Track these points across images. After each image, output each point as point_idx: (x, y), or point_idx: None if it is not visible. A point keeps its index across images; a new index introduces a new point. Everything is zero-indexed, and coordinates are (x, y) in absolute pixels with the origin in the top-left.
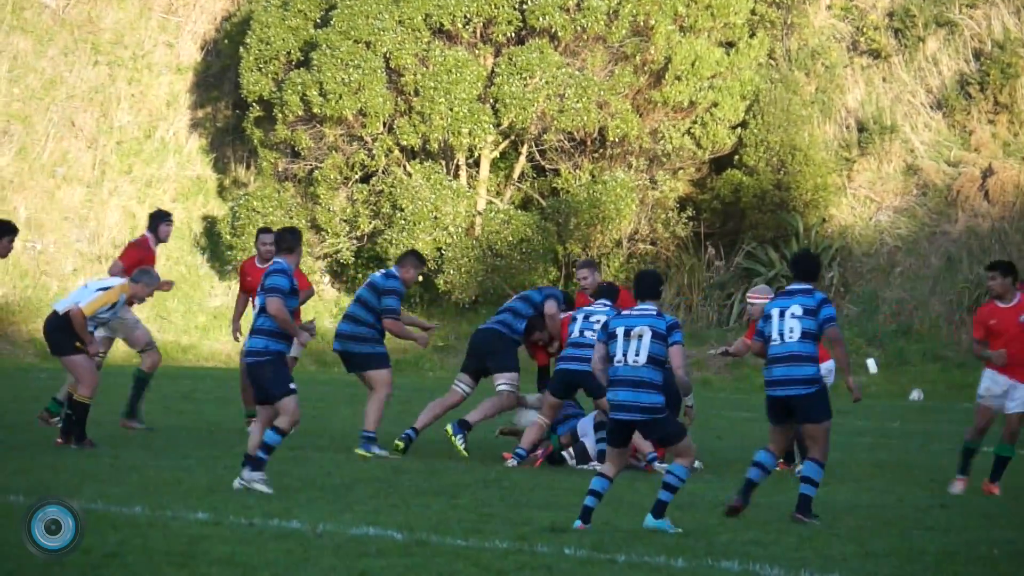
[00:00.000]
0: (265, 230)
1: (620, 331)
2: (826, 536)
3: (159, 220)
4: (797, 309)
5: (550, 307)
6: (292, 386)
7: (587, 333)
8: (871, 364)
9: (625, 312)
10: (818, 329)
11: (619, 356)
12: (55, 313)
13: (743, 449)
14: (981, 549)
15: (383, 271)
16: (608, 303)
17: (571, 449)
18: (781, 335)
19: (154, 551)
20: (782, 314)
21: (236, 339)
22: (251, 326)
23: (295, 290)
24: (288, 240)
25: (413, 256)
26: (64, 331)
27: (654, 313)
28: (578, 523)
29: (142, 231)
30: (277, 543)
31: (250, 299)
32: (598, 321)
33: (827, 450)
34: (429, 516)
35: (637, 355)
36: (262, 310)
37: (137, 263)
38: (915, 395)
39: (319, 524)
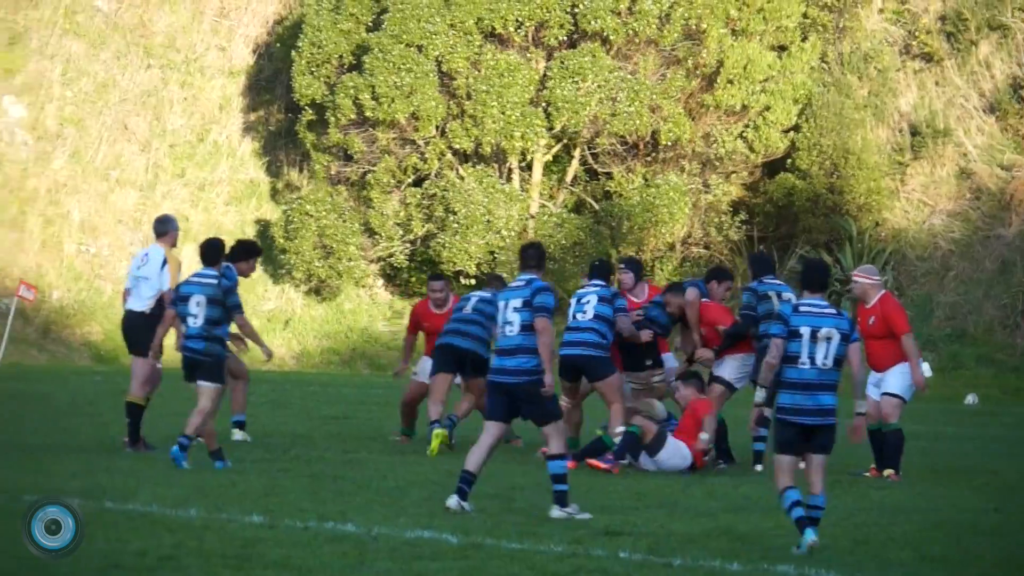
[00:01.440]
0: (435, 277)
1: (806, 331)
2: (881, 540)
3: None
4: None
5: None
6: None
7: (579, 316)
8: (925, 368)
9: (803, 308)
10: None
11: (804, 358)
12: (137, 313)
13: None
14: None
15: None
16: (601, 283)
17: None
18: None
19: (209, 554)
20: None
21: (395, 376)
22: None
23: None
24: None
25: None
26: (147, 329)
27: (834, 311)
28: (812, 537)
29: (195, 235)
30: (332, 546)
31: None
32: (588, 302)
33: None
34: (484, 519)
35: (826, 359)
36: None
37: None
38: (970, 399)
39: (374, 527)
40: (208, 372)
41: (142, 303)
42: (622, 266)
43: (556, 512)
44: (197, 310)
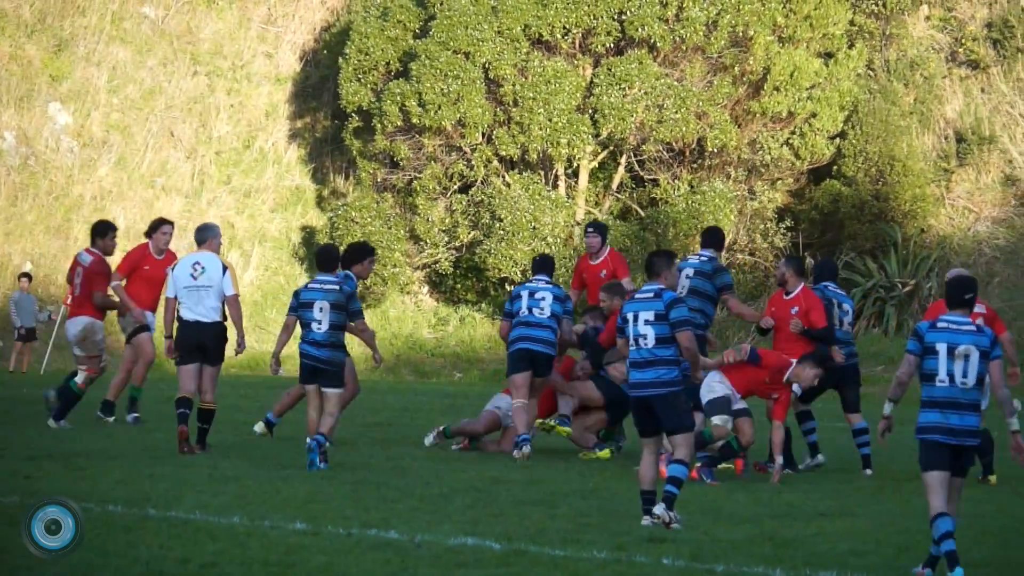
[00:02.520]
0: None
1: (943, 348)
2: (925, 546)
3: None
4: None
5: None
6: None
7: (535, 311)
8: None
9: (941, 324)
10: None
11: (942, 376)
12: (212, 323)
13: (839, 459)
14: None
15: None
16: (547, 277)
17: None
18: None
19: (252, 561)
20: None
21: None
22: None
23: None
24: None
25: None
26: (224, 340)
27: (974, 328)
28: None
29: (240, 241)
30: (375, 553)
31: None
32: (544, 298)
33: None
34: (527, 526)
35: (965, 377)
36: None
37: (130, 270)
38: (1017, 404)
39: (417, 534)
40: (332, 378)
41: (213, 313)
42: (590, 229)
43: (659, 509)
44: (321, 316)
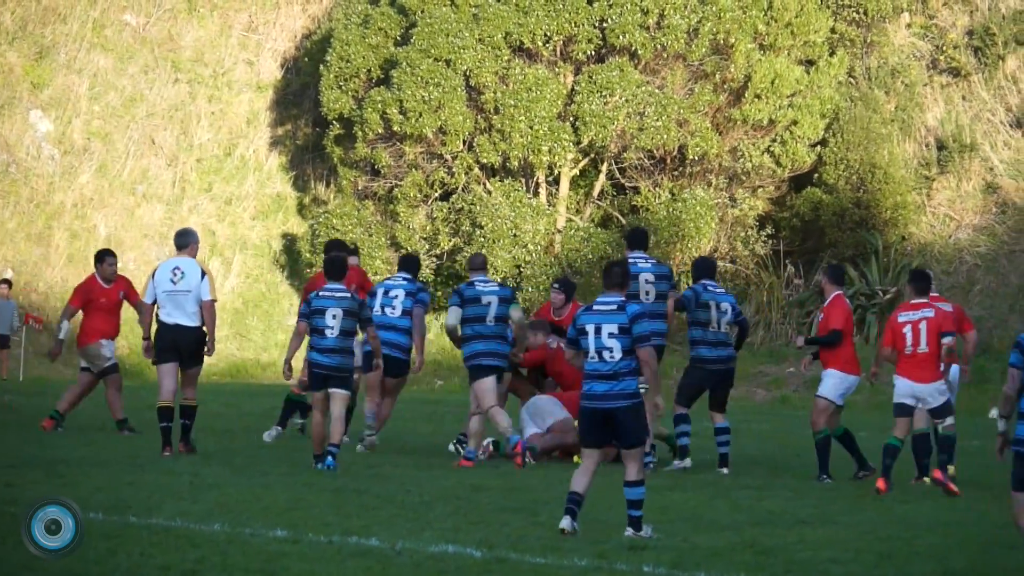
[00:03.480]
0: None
1: None
2: (906, 554)
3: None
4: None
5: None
6: None
7: (387, 310)
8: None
9: None
10: None
11: None
12: (193, 328)
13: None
14: None
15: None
16: (408, 277)
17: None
18: None
19: (233, 568)
20: None
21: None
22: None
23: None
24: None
25: None
26: (202, 343)
27: None
28: None
29: (221, 249)
30: (356, 560)
31: None
32: (396, 296)
33: None
34: (508, 533)
35: None
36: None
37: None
38: (995, 413)
39: (398, 541)
40: (341, 381)
41: (193, 318)
42: (555, 286)
43: (628, 533)
44: (333, 323)
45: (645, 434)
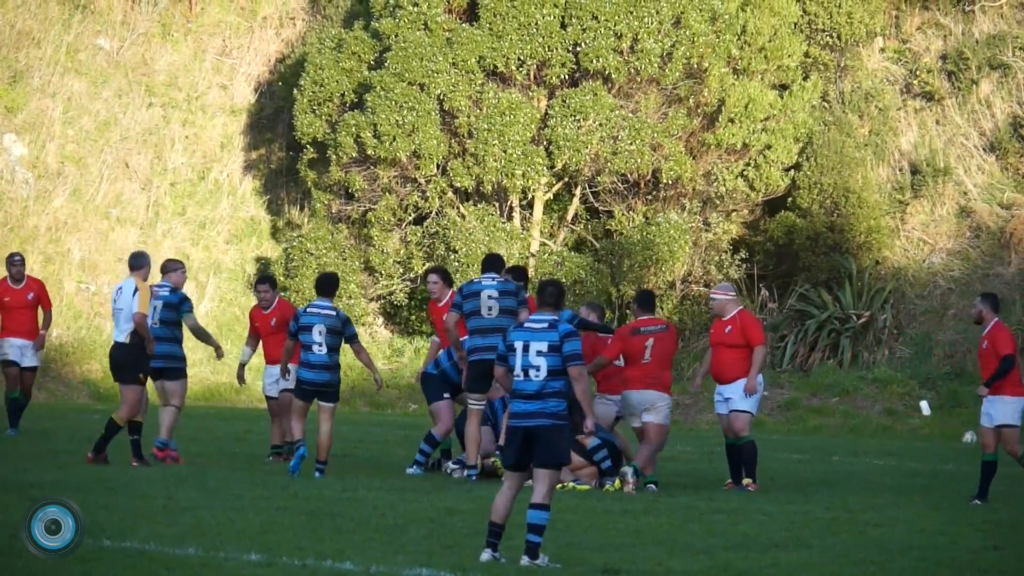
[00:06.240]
0: (262, 280)
1: None
2: None
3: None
4: None
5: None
6: None
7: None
8: (924, 406)
9: None
10: None
11: None
12: (119, 344)
13: (796, 490)
14: None
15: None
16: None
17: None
18: None
19: None
20: None
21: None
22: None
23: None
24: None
25: None
26: (130, 359)
27: None
28: None
29: (195, 273)
30: None
31: None
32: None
33: None
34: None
35: None
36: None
37: None
38: (968, 437)
39: (372, 565)
40: (329, 396)
41: (123, 334)
42: (433, 276)
43: (524, 561)
44: (320, 339)
45: (563, 457)
